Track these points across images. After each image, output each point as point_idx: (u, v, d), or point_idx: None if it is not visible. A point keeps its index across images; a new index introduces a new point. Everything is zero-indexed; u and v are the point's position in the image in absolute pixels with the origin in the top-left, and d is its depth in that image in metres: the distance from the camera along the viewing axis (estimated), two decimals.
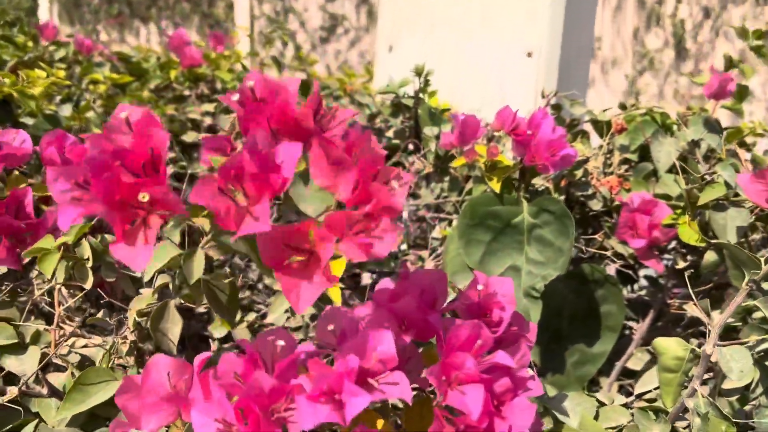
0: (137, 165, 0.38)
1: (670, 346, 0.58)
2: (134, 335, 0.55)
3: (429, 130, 0.99)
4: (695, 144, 0.79)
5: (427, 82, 1.13)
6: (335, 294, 0.71)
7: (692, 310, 0.78)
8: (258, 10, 9.53)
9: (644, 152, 0.93)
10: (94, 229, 0.63)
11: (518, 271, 0.76)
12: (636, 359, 0.85)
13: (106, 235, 0.54)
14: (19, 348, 0.62)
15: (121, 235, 0.35)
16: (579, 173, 0.82)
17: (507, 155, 0.86)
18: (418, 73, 1.10)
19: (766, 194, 0.61)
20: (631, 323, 0.91)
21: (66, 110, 1.25)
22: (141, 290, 0.55)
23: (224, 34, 1.47)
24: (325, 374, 0.40)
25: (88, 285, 0.52)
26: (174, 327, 0.49)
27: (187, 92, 1.31)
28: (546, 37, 1.14)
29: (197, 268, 0.45)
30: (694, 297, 0.56)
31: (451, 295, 0.68)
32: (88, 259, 0.52)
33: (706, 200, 0.70)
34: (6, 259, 0.62)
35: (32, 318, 0.69)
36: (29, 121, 0.92)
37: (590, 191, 0.82)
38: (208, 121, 1.17)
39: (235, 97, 0.44)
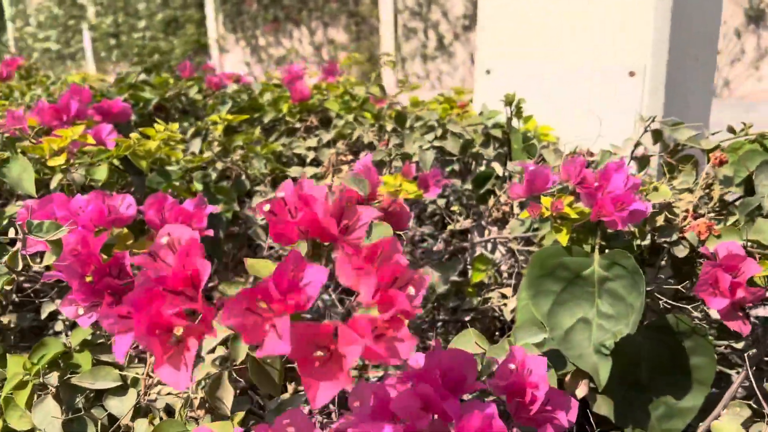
0: (179, 286, 0.44)
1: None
2: (203, 392, 0.62)
3: (514, 166, 0.97)
4: None
5: (519, 110, 1.11)
6: None
7: None
8: (402, 3, 9.62)
9: (751, 185, 0.85)
10: None
11: (589, 324, 0.74)
12: (733, 415, 0.79)
13: None
14: (121, 390, 0.72)
15: (162, 360, 0.41)
16: (660, 218, 0.77)
17: None
18: (509, 101, 1.08)
19: None
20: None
21: (196, 145, 1.39)
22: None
23: (335, 65, 1.54)
24: None
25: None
26: (227, 395, 0.55)
27: (297, 125, 1.40)
28: (649, 53, 1.07)
29: (242, 352, 0.50)
30: None
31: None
32: None
33: None
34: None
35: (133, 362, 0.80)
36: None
37: (675, 237, 0.77)
38: (311, 155, 1.24)
39: (267, 207, 0.48)
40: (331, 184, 1.15)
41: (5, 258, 0.67)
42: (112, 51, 12.35)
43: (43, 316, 0.89)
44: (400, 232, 0.94)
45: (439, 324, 1.03)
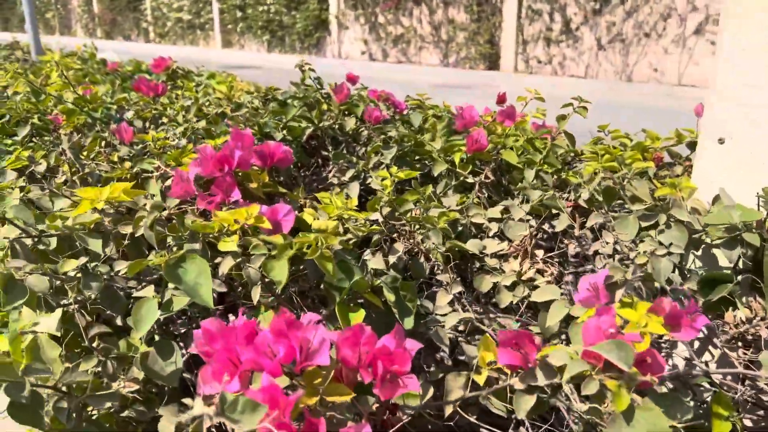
0: None
1: None
2: None
3: None
4: None
5: None
6: None
7: None
8: None
9: None
10: None
11: None
12: None
13: None
14: None
15: None
16: None
17: None
18: None
19: None
20: None
21: (354, 189, 1.27)
22: None
23: (514, 110, 1.34)
24: None
25: None
26: None
27: (470, 179, 1.23)
28: None
29: None
30: None
31: None
32: None
33: None
34: None
35: None
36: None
37: None
38: (493, 228, 1.07)
39: None
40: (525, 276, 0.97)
41: (190, 429, 0.56)
42: (238, 23, 12.69)
43: None
44: None
45: None
